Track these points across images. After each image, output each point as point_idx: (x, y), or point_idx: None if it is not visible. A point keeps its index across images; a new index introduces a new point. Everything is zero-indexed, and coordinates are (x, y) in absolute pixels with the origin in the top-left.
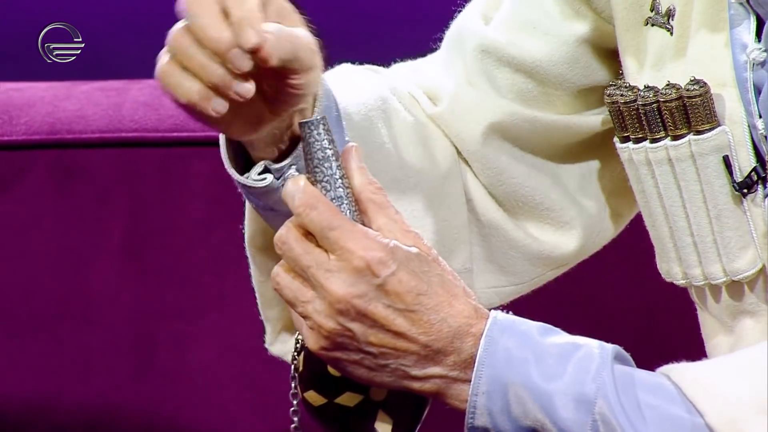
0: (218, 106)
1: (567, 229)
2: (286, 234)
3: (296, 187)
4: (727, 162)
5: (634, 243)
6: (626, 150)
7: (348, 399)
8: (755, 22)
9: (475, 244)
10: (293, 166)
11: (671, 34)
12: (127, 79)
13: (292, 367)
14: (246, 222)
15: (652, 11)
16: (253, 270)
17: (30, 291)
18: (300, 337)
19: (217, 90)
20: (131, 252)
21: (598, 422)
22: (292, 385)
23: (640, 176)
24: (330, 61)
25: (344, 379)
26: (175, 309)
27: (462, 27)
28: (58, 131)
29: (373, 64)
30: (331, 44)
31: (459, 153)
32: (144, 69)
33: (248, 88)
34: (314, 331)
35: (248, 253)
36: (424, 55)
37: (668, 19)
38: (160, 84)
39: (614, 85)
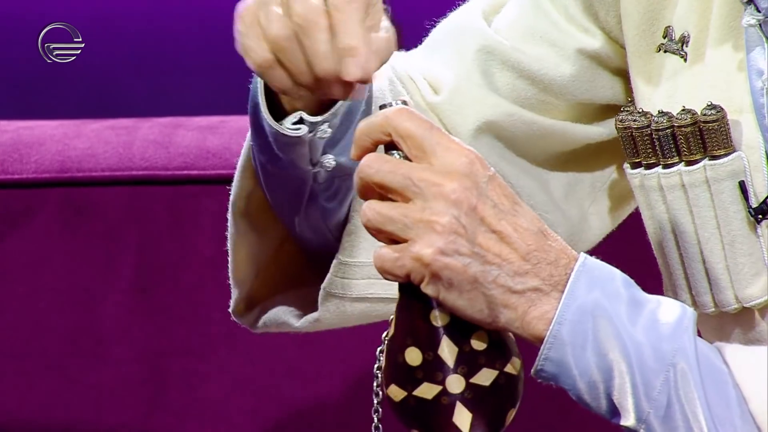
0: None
1: None
2: (372, 158)
3: (389, 107)
4: (743, 187)
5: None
6: (637, 176)
7: (426, 390)
8: None
9: None
10: (326, 123)
11: (685, 60)
12: (136, 117)
13: (375, 366)
14: (235, 183)
15: (665, 38)
16: (230, 232)
17: (40, 328)
18: (384, 334)
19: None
20: (141, 289)
21: (678, 375)
22: (375, 384)
23: (650, 202)
24: None
25: (422, 367)
26: (185, 346)
27: (464, 23)
28: (68, 169)
29: None
30: None
31: None
32: (153, 108)
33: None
34: (427, 233)
35: (229, 215)
36: None
37: (682, 46)
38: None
39: (626, 111)
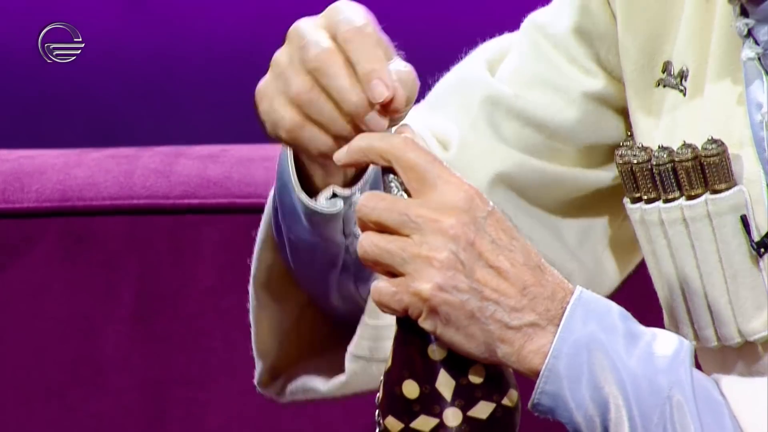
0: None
1: None
2: (368, 197)
3: (394, 135)
4: (744, 221)
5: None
6: (637, 210)
7: (423, 423)
8: (767, 81)
9: None
10: (359, 192)
11: (684, 95)
12: (137, 146)
13: (377, 397)
14: (255, 256)
15: (663, 72)
16: (252, 305)
17: (40, 357)
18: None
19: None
20: (142, 318)
21: (673, 408)
22: (376, 413)
23: (651, 237)
24: None
25: (420, 400)
26: (185, 375)
27: (467, 75)
28: (69, 198)
29: None
30: None
31: None
32: (154, 136)
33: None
34: (425, 269)
35: (250, 288)
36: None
37: (681, 80)
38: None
39: (626, 146)
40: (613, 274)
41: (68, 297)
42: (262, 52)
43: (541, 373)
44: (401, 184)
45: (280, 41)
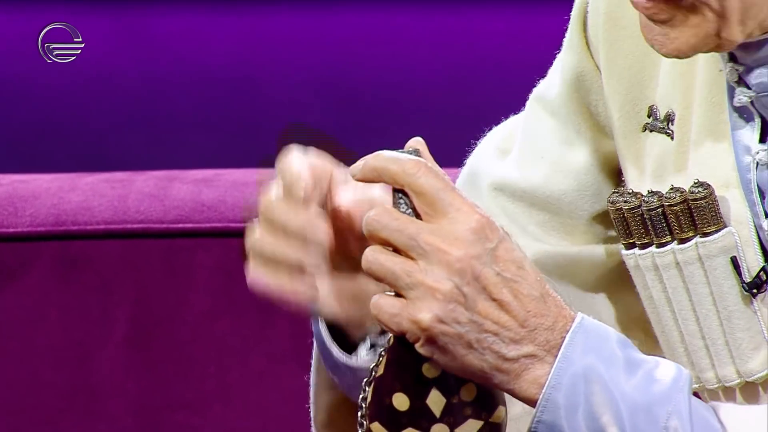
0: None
1: None
2: (381, 213)
3: (408, 158)
4: (735, 263)
5: None
6: (632, 256)
7: None
8: (759, 124)
9: None
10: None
11: (672, 138)
12: (131, 170)
13: (360, 396)
14: (312, 400)
15: (649, 117)
16: None
17: (34, 382)
18: (373, 365)
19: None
20: (136, 343)
21: None
22: (359, 414)
23: (647, 282)
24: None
25: (409, 413)
26: (180, 400)
27: (475, 166)
28: (63, 223)
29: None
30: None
31: None
32: (148, 161)
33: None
34: (427, 298)
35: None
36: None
37: (668, 124)
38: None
39: (617, 192)
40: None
41: (62, 321)
42: (257, 78)
43: (539, 403)
44: (411, 203)
45: (274, 67)
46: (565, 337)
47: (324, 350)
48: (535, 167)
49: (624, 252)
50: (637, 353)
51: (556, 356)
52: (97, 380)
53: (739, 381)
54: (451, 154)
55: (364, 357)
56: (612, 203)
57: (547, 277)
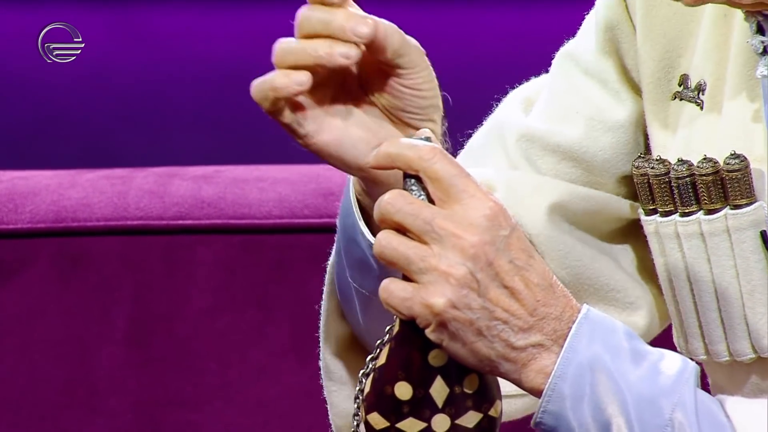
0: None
1: (633, 309)
2: (395, 197)
3: (423, 144)
4: (764, 237)
5: None
6: (652, 223)
7: (410, 425)
8: None
9: None
10: None
11: (701, 108)
12: (131, 167)
13: (357, 388)
14: (323, 328)
15: (680, 86)
16: (326, 383)
17: (34, 379)
18: (370, 357)
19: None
20: (136, 340)
21: (675, 429)
22: (355, 405)
23: (665, 250)
24: None
25: (411, 402)
26: (180, 397)
27: (501, 119)
28: (63, 219)
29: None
30: None
31: None
32: (148, 157)
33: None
34: (440, 283)
35: (324, 362)
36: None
37: (698, 94)
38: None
39: (642, 158)
40: None
41: (62, 318)
42: (256, 74)
43: (544, 392)
44: (423, 189)
45: (273, 62)
46: (571, 327)
47: (351, 244)
48: (569, 122)
49: (644, 218)
50: (643, 345)
51: (563, 346)
52: (97, 377)
53: (752, 356)
54: (451, 154)
55: None
56: (637, 168)
57: (570, 227)
